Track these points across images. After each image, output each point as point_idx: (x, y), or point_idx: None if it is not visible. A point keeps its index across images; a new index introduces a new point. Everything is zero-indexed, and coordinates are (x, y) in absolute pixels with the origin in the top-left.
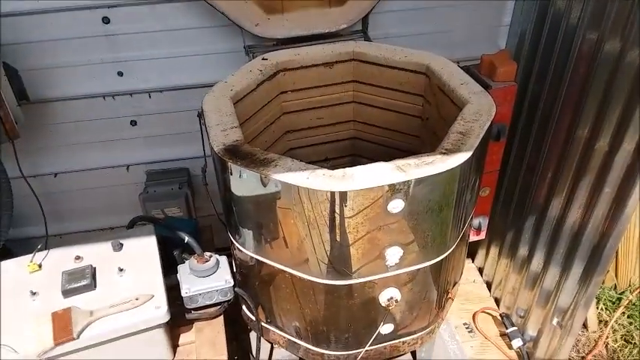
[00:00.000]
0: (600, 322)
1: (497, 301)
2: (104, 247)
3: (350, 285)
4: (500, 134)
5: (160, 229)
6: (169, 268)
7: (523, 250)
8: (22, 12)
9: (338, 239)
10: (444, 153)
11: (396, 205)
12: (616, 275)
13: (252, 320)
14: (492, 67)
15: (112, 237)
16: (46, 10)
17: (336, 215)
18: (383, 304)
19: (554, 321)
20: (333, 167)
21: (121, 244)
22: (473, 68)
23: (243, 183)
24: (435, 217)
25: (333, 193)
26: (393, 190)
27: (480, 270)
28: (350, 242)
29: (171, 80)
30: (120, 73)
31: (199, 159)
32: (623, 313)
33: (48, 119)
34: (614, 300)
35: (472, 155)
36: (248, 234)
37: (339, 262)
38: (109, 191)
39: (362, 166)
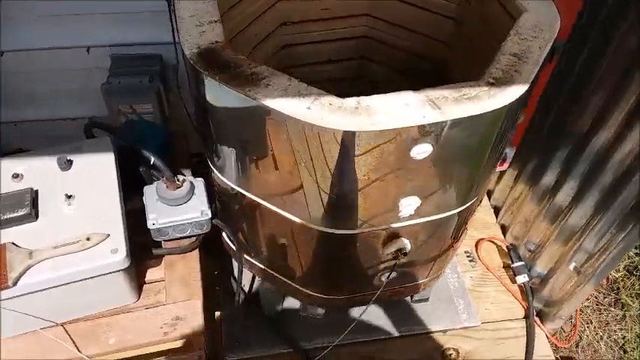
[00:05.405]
0: None
1: (503, 228)
2: (49, 165)
3: (352, 235)
4: (554, 54)
5: (120, 140)
6: (132, 184)
7: (548, 179)
8: None
9: (342, 185)
10: (492, 84)
11: (423, 150)
12: None
13: (233, 250)
14: None
15: (58, 151)
16: None
17: (343, 158)
18: (389, 256)
19: (571, 265)
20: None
21: (70, 162)
22: None
23: (223, 102)
24: (466, 164)
25: (342, 133)
26: (422, 132)
27: (488, 192)
28: (357, 189)
29: None
30: None
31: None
32: None
33: None
34: None
35: (529, 88)
36: (229, 163)
37: (341, 211)
38: (69, 76)
39: (381, 96)
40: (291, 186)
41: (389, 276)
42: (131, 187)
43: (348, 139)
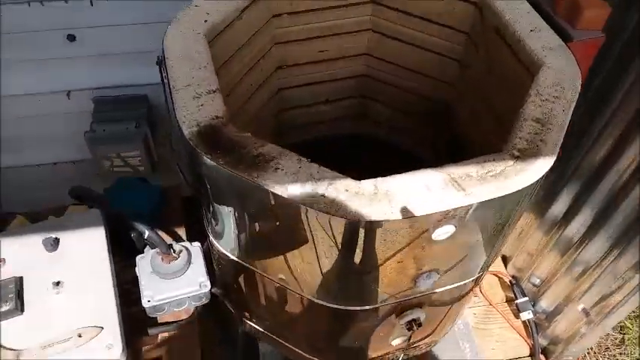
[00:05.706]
0: None
1: (504, 259)
2: (34, 245)
3: (364, 310)
4: None
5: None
6: (123, 248)
7: (558, 208)
8: None
9: (357, 269)
10: (517, 157)
11: (445, 232)
12: None
13: (233, 312)
14: (576, 7)
15: (44, 228)
16: None
17: (360, 244)
18: (403, 326)
19: (580, 306)
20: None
21: (57, 241)
22: (545, 6)
23: (226, 184)
24: (489, 236)
25: (359, 223)
26: (446, 216)
27: None
28: (373, 273)
29: None
30: None
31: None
32: None
33: None
34: None
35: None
36: (228, 233)
37: (354, 291)
38: (50, 121)
39: (400, 177)
40: (300, 264)
41: (405, 349)
42: (122, 250)
43: (366, 227)
